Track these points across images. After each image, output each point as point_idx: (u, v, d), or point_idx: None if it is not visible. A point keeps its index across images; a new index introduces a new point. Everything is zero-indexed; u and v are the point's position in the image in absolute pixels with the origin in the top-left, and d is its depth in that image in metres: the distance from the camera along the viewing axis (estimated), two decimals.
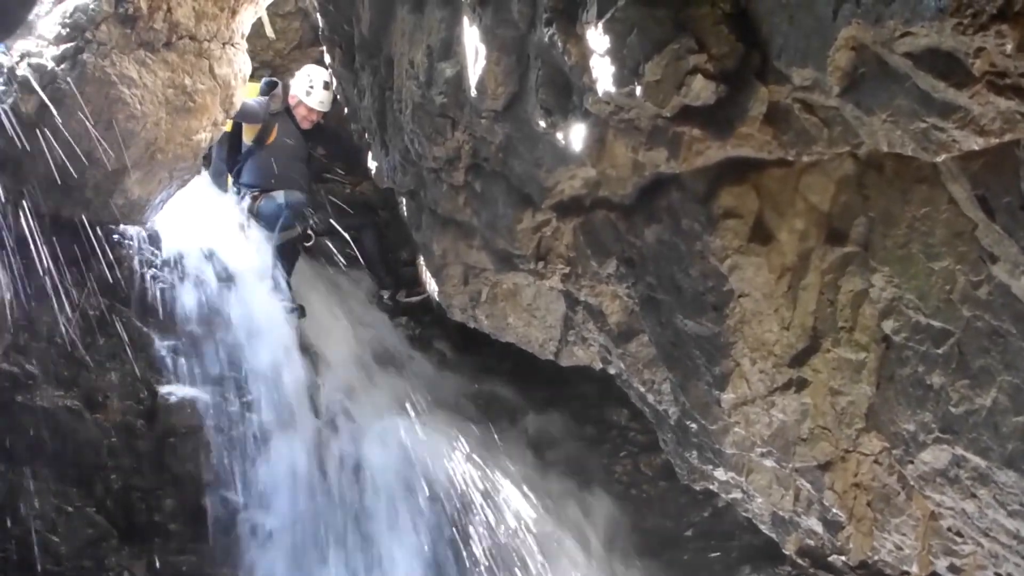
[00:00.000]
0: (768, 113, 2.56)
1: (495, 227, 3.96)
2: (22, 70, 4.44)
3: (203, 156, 5.51)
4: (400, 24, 4.19)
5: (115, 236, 5.15)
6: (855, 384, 3.12)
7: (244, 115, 6.02)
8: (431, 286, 4.82)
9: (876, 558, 3.49)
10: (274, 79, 6.61)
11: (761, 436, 3.44)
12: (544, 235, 3.81)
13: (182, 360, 5.14)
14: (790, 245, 3.10)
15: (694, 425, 3.75)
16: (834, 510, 3.43)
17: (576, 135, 3.14)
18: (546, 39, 2.98)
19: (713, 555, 5.26)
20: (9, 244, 4.43)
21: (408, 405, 5.77)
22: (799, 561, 4.02)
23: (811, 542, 3.80)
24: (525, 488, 5.46)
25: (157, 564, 4.70)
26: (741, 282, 3.16)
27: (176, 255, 5.53)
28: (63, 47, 4.48)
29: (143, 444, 4.83)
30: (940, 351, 2.75)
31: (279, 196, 6.19)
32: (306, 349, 5.74)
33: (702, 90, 2.57)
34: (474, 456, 5.47)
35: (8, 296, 4.36)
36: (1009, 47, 1.74)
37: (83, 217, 4.85)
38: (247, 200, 6.27)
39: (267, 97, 6.39)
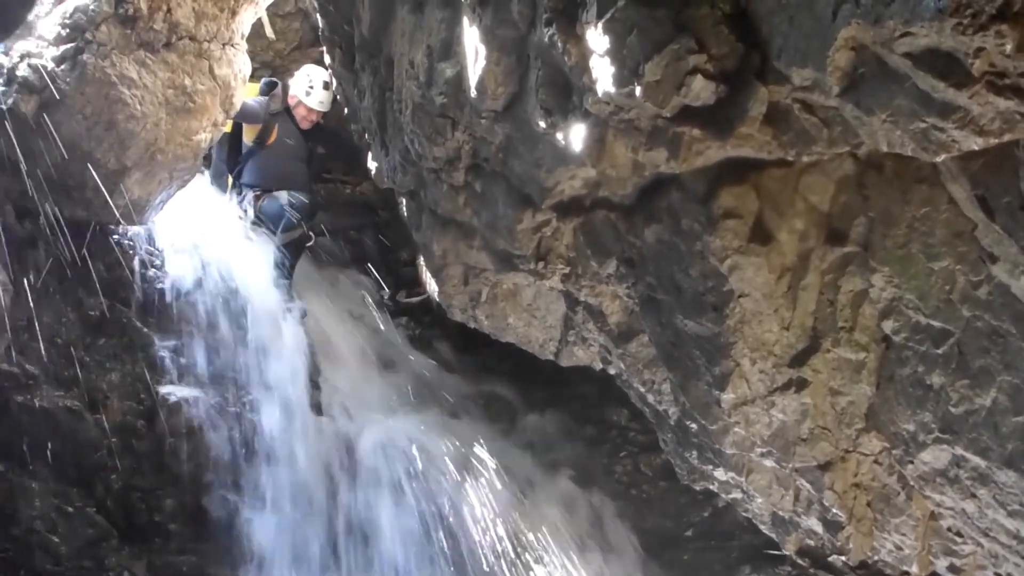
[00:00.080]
0: (768, 113, 2.56)
1: (495, 227, 3.96)
2: (22, 70, 4.44)
3: (203, 157, 5.51)
4: (400, 24, 4.19)
5: (115, 236, 5.16)
6: (855, 384, 3.12)
7: (244, 115, 6.02)
8: (431, 286, 4.82)
9: (876, 558, 3.49)
10: (273, 79, 6.61)
11: (761, 436, 3.44)
12: (544, 235, 3.81)
13: (182, 360, 5.14)
14: (790, 245, 3.10)
15: (694, 425, 3.75)
16: (834, 510, 3.43)
17: (576, 135, 3.14)
18: (546, 39, 2.98)
19: (713, 555, 5.26)
20: (9, 244, 4.43)
21: (408, 405, 5.78)
22: (799, 561, 4.02)
23: (811, 542, 3.80)
24: (525, 488, 5.46)
25: (157, 564, 4.70)
26: (741, 282, 3.16)
27: (176, 255, 5.53)
28: (63, 48, 4.48)
29: (143, 444, 4.83)
30: (940, 351, 2.75)
31: (282, 196, 6.20)
32: (306, 349, 5.74)
33: (702, 90, 2.57)
34: (475, 456, 5.48)
35: (8, 296, 4.36)
36: (1008, 47, 1.74)
37: (83, 217, 4.85)
38: (249, 200, 6.27)
39: (267, 97, 6.40)
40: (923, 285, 2.74)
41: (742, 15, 2.49)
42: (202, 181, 6.23)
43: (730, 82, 2.55)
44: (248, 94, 5.95)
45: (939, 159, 2.19)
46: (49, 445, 4.49)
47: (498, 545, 5.15)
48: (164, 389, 4.98)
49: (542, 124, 3.25)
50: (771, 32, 2.40)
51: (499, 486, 5.35)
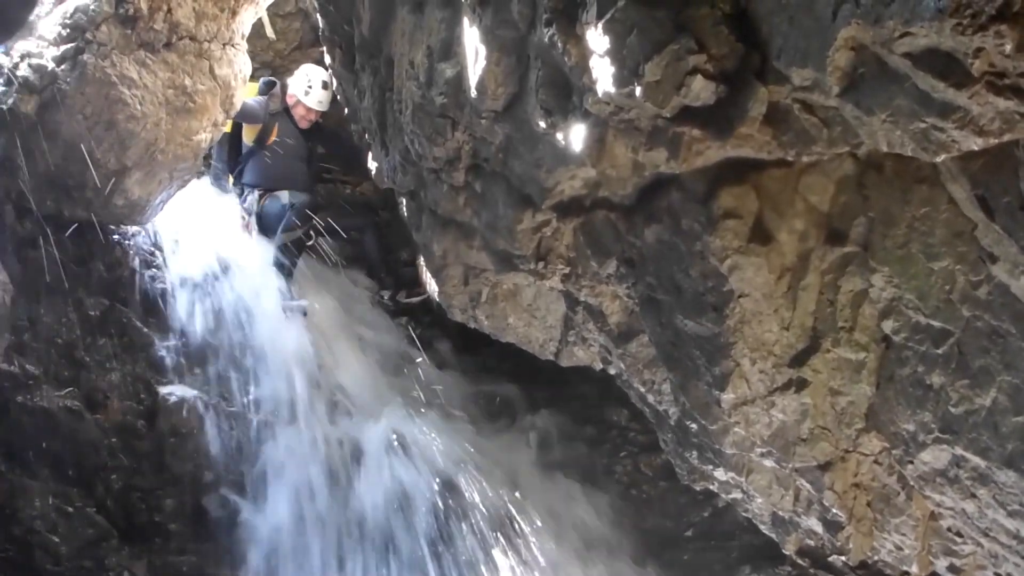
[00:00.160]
0: (768, 113, 2.56)
1: (495, 227, 3.96)
2: (22, 70, 4.44)
3: (203, 156, 5.52)
4: (400, 24, 4.19)
5: (115, 236, 5.16)
6: (855, 384, 3.12)
7: (244, 115, 6.03)
8: (431, 286, 4.82)
9: (876, 558, 3.49)
10: (272, 78, 6.62)
11: (761, 436, 3.44)
12: (544, 235, 3.81)
13: (182, 360, 5.14)
14: (790, 245, 3.10)
15: (694, 425, 3.75)
16: (834, 510, 3.43)
17: (576, 135, 3.14)
18: (546, 39, 2.98)
19: (713, 555, 5.25)
20: (9, 244, 4.44)
21: (408, 405, 5.77)
22: (799, 561, 4.02)
23: (811, 542, 3.80)
24: (525, 488, 5.46)
25: (157, 564, 4.70)
26: (741, 282, 3.16)
27: (177, 254, 5.54)
28: (63, 48, 4.49)
29: (143, 444, 4.84)
30: (940, 351, 2.75)
31: (283, 196, 6.21)
32: (307, 349, 5.74)
33: (702, 90, 2.57)
34: (475, 456, 5.48)
35: (8, 296, 4.36)
36: (1008, 47, 1.74)
37: (83, 217, 4.85)
38: (250, 200, 6.28)
39: (266, 97, 6.40)
40: (923, 285, 2.74)
41: (742, 15, 2.49)
42: (202, 181, 6.24)
43: (730, 82, 2.55)
44: (248, 94, 5.96)
45: (939, 159, 2.19)
46: (49, 445, 4.50)
47: (498, 545, 5.15)
48: (164, 389, 4.99)
49: (542, 124, 3.25)
50: (771, 32, 2.40)
51: (499, 486, 5.35)
